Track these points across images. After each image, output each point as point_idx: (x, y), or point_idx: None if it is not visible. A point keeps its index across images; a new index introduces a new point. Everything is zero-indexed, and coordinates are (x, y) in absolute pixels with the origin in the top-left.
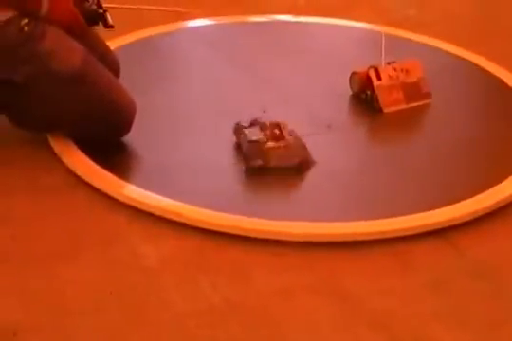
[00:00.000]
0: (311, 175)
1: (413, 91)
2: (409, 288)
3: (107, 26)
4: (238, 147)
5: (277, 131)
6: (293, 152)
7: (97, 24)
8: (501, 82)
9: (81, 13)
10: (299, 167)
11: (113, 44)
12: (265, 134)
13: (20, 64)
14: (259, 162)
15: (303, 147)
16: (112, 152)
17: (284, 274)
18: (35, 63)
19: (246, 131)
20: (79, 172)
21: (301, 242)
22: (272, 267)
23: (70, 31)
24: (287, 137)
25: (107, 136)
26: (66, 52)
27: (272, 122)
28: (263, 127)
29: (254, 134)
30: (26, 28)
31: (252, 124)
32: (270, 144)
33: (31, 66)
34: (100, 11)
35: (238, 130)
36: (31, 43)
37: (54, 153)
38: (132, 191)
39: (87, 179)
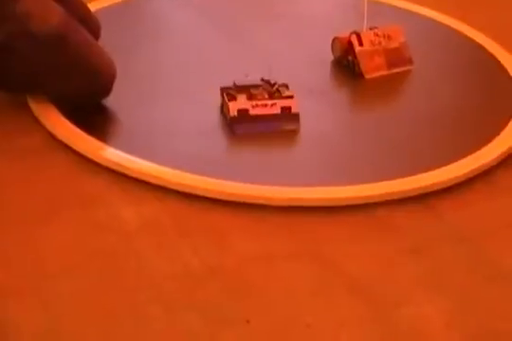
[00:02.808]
0: (292, 140)
1: (395, 57)
2: (389, 253)
3: None
4: (222, 110)
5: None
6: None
7: None
8: (482, 49)
9: None
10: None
11: (94, 5)
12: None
13: (1, 22)
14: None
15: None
16: (93, 115)
17: (264, 238)
18: (13, 24)
19: (230, 103)
20: (58, 135)
21: (282, 207)
22: (252, 232)
23: None
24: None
25: (87, 98)
26: (44, 13)
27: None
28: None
29: (240, 103)
30: None
31: (239, 89)
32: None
33: (9, 26)
34: None
35: (224, 94)
36: (9, 2)
37: (33, 116)
38: (112, 154)
39: (67, 142)
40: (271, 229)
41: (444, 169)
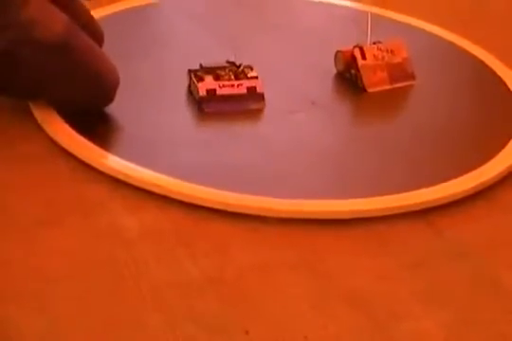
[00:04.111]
0: (294, 152)
1: (398, 72)
2: (388, 267)
3: None
4: (190, 90)
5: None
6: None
7: None
8: (484, 65)
9: None
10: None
11: (97, 13)
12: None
13: (1, 30)
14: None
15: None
16: (95, 122)
17: (264, 249)
18: (17, 30)
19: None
20: (60, 142)
21: (283, 219)
22: (252, 242)
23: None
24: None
25: (90, 105)
26: (49, 20)
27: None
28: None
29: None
30: None
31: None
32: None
33: (13, 33)
34: None
35: (192, 75)
36: (13, 9)
37: (36, 122)
38: (114, 162)
39: (69, 148)
40: (271, 240)
41: (445, 184)
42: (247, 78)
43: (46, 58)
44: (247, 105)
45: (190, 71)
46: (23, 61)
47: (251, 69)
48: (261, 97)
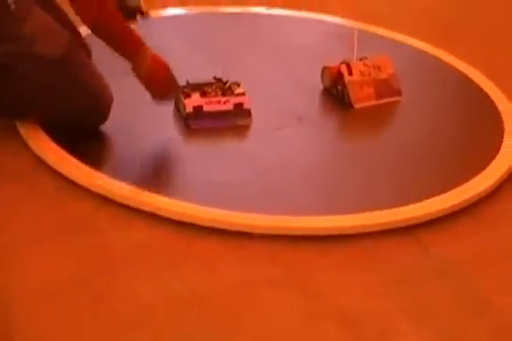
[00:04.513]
0: (281, 168)
1: (384, 87)
2: (375, 284)
3: (144, 15)
4: (177, 109)
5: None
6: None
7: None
8: (469, 80)
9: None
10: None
11: (84, 30)
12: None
13: (1, 42)
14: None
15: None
16: (81, 140)
17: (250, 266)
18: (17, 44)
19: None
20: (46, 159)
21: (269, 235)
22: (239, 260)
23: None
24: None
25: (86, 124)
26: (51, 37)
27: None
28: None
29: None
30: (12, 7)
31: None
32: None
33: (13, 46)
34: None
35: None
36: (17, 22)
37: (22, 140)
38: (100, 179)
39: (55, 166)
40: (259, 257)
41: (431, 201)
42: (234, 94)
43: (45, 73)
44: (235, 121)
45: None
46: (20, 75)
47: (238, 86)
48: (248, 113)
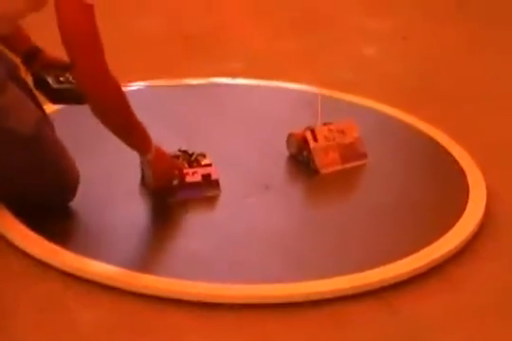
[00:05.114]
0: (248, 236)
1: (349, 152)
2: None
3: None
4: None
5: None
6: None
7: None
8: (433, 142)
9: None
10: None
11: (49, 107)
12: None
13: None
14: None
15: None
16: (46, 217)
17: (219, 338)
18: None
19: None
20: (11, 238)
21: (237, 305)
22: (205, 331)
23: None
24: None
25: (51, 203)
26: (23, 113)
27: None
28: None
29: None
30: None
31: None
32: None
33: None
34: None
35: None
36: None
37: None
38: (66, 257)
39: (20, 245)
40: (224, 328)
41: (397, 263)
42: (201, 165)
43: (14, 149)
44: (204, 193)
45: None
46: None
47: (204, 157)
48: (216, 183)
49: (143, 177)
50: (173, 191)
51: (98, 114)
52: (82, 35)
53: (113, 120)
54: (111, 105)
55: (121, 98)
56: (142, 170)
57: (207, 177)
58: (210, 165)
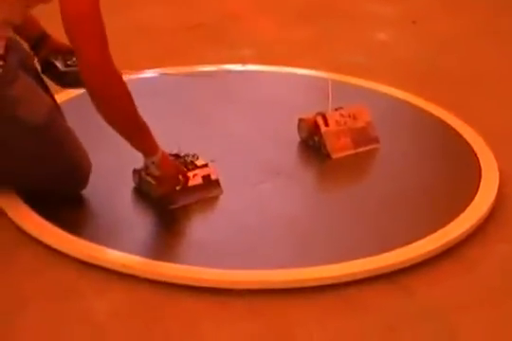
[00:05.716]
0: (261, 222)
1: (361, 136)
2: (360, 332)
3: None
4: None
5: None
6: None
7: None
8: (445, 125)
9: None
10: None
11: (61, 96)
12: None
13: None
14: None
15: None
16: (59, 206)
17: (234, 323)
18: (1, 107)
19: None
20: (25, 227)
21: (252, 290)
22: (221, 317)
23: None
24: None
25: (63, 191)
26: (35, 102)
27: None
28: None
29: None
30: (0, 71)
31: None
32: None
33: None
34: None
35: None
36: (3, 86)
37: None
38: (80, 245)
39: (34, 234)
40: (240, 314)
41: (411, 246)
42: (198, 167)
43: (26, 138)
44: (206, 194)
45: (135, 171)
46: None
47: (197, 158)
48: (217, 183)
49: (140, 184)
50: (175, 198)
51: (99, 107)
52: (86, 25)
53: (116, 115)
54: (113, 97)
55: (123, 89)
56: (139, 176)
57: (207, 178)
58: (206, 165)
